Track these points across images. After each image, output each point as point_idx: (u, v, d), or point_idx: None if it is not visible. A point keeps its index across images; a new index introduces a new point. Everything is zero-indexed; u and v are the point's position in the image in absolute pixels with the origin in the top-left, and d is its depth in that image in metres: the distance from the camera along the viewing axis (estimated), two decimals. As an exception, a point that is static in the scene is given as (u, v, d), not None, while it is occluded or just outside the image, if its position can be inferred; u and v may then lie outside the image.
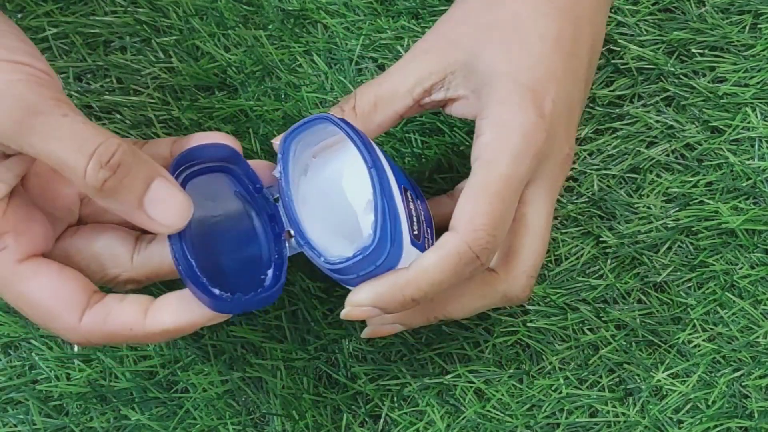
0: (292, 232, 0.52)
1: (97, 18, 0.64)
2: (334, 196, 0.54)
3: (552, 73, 0.54)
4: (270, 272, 0.51)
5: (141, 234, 0.52)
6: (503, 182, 0.51)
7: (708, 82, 0.64)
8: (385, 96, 0.55)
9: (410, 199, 0.52)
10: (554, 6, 0.55)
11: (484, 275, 0.54)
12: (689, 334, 0.60)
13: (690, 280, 0.61)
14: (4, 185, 0.47)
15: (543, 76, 0.53)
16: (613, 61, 0.64)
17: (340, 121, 0.52)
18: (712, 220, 0.61)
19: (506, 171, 0.51)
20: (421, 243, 0.52)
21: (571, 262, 0.61)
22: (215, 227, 0.52)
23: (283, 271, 0.51)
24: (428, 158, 0.62)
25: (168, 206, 0.47)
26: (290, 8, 0.65)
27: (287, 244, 0.52)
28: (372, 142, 0.52)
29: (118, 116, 0.63)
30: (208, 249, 0.50)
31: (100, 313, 0.48)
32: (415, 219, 0.52)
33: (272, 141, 0.53)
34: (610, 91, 0.64)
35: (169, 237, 0.48)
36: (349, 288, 0.52)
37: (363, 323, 0.57)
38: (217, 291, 0.48)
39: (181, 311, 0.49)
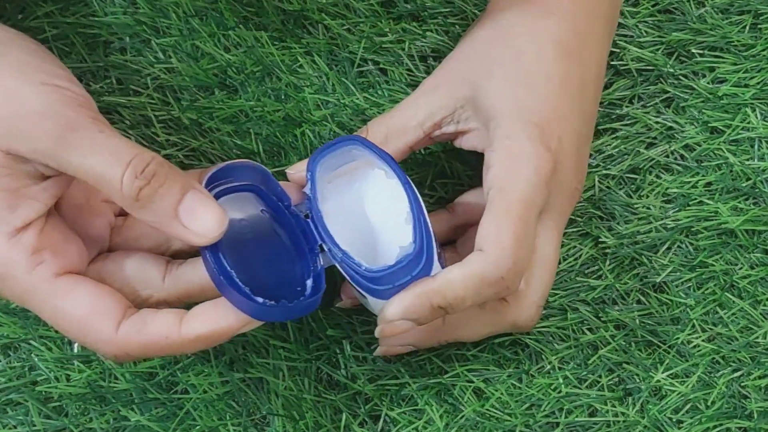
0: (325, 245, 0.53)
1: (97, 19, 0.64)
2: (355, 218, 0.56)
3: (558, 111, 0.55)
4: (309, 282, 0.52)
5: (171, 259, 0.53)
6: (523, 206, 0.52)
7: (708, 82, 0.64)
8: (396, 128, 0.57)
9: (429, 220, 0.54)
10: (561, 48, 0.56)
11: (496, 303, 0.56)
12: (689, 335, 0.60)
13: (689, 280, 0.61)
14: (41, 204, 0.49)
15: (549, 115, 0.55)
16: (612, 63, 0.64)
17: (367, 142, 0.54)
18: (712, 220, 0.61)
19: (522, 196, 0.52)
20: (442, 262, 0.53)
21: (570, 262, 0.61)
22: (247, 244, 0.53)
23: (323, 280, 0.52)
24: (430, 165, 0.63)
25: (203, 216, 0.48)
26: (291, 9, 0.65)
27: (321, 257, 0.53)
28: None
29: (118, 116, 0.63)
30: (243, 263, 0.51)
31: (136, 323, 0.49)
32: (436, 238, 0.53)
33: (287, 170, 0.55)
34: (609, 92, 0.64)
35: (205, 250, 0.49)
36: (372, 306, 0.54)
37: (366, 322, 0.57)
38: (260, 299, 0.49)
39: (217, 317, 0.50)
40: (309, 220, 0.53)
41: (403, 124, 0.57)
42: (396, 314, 0.52)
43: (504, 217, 0.52)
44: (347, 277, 0.53)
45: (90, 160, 0.47)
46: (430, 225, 0.52)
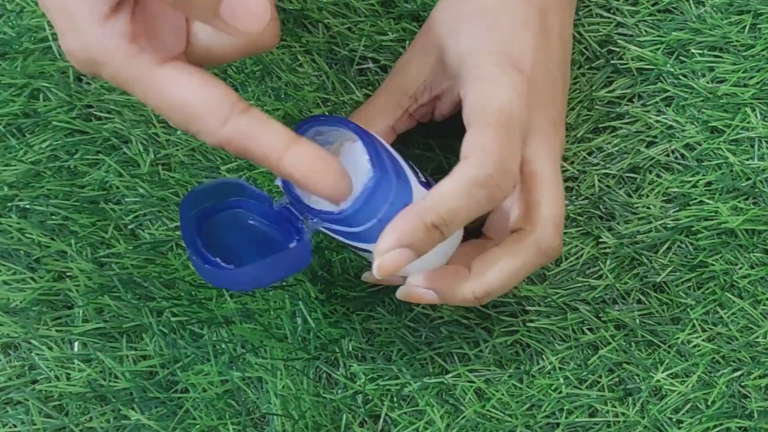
0: (303, 216, 0.52)
1: (97, 18, 0.64)
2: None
3: (524, 43, 0.55)
4: (293, 243, 0.52)
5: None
6: (503, 116, 0.51)
7: (707, 82, 0.64)
8: (375, 113, 0.57)
9: (419, 172, 0.53)
10: (524, 1, 0.57)
11: (513, 236, 0.54)
12: (689, 334, 0.60)
13: (689, 280, 0.61)
14: None
15: (515, 45, 0.55)
16: (612, 62, 0.64)
17: (325, 117, 0.53)
18: (712, 220, 0.61)
19: (501, 108, 0.51)
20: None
21: (571, 262, 0.61)
22: (240, 250, 0.53)
23: (306, 238, 0.52)
24: (429, 159, 0.63)
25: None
26: (291, 8, 0.65)
27: (305, 229, 0.52)
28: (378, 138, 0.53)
29: (118, 116, 0.63)
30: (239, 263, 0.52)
31: (243, 127, 0.46)
32: (422, 173, 0.52)
33: (276, 183, 0.54)
34: (609, 91, 0.64)
35: (197, 252, 0.51)
36: (370, 259, 0.52)
37: (366, 320, 0.57)
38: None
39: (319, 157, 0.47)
40: (289, 205, 0.53)
41: (381, 105, 0.57)
42: (389, 242, 0.50)
43: (485, 127, 0.51)
44: (338, 238, 0.52)
45: None
46: (396, 154, 0.52)
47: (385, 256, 0.50)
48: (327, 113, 0.57)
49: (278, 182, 0.53)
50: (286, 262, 0.52)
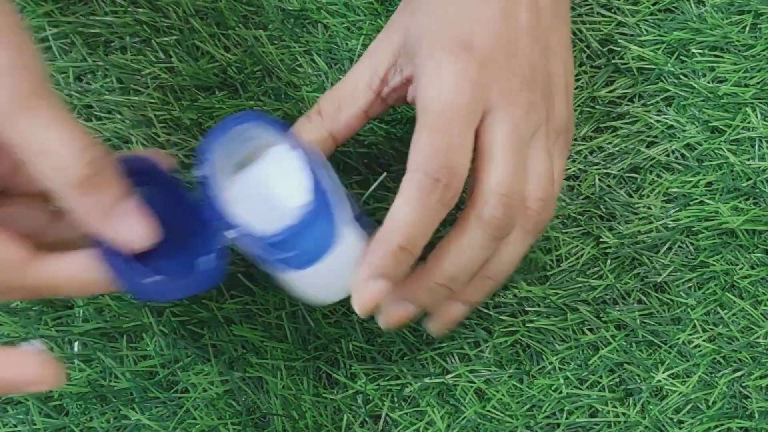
0: (222, 226, 0.50)
1: (97, 18, 0.64)
2: (263, 200, 0.53)
3: (477, 18, 0.54)
4: (204, 259, 0.50)
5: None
6: (444, 112, 0.51)
7: (708, 82, 0.64)
8: (346, 96, 0.56)
9: (352, 202, 0.52)
10: None
11: (459, 214, 0.54)
12: (689, 335, 0.60)
13: (690, 280, 0.61)
14: None
15: (467, 23, 0.54)
16: (613, 61, 0.64)
17: (262, 117, 0.51)
18: (713, 220, 0.61)
19: (442, 103, 0.51)
20: (363, 223, 0.51)
21: (571, 262, 0.61)
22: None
23: (218, 257, 0.50)
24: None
25: (137, 222, 0.47)
26: (290, 8, 0.65)
27: (220, 239, 0.50)
28: (317, 153, 0.52)
29: (118, 116, 0.63)
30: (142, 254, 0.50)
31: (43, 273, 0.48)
32: (354, 201, 0.52)
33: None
34: (610, 90, 0.64)
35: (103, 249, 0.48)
36: (284, 277, 0.51)
37: (366, 320, 0.57)
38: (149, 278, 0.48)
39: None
40: (207, 203, 0.50)
41: (352, 89, 0.56)
42: (363, 275, 0.50)
43: (423, 132, 0.51)
44: (254, 256, 0.50)
45: (47, 132, 0.45)
46: (331, 189, 0.50)
47: (363, 292, 0.50)
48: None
49: (199, 174, 0.51)
50: (194, 283, 0.50)
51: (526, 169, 0.54)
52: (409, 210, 0.50)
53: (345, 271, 0.52)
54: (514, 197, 0.53)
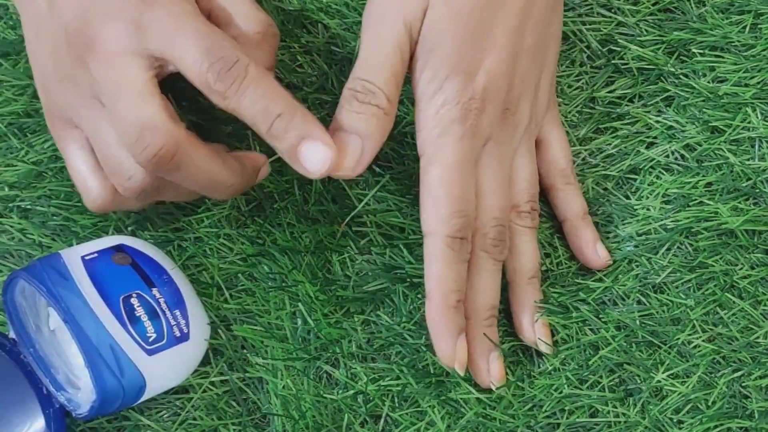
0: (45, 389, 0.54)
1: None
2: (64, 347, 0.56)
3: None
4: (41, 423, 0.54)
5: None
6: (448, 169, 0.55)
7: (708, 82, 0.64)
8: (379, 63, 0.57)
9: (136, 306, 0.54)
10: None
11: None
12: (689, 335, 0.60)
13: (689, 281, 0.61)
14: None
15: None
16: (613, 61, 0.64)
17: (29, 274, 0.53)
18: (712, 220, 0.61)
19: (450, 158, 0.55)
20: (167, 340, 0.54)
21: (571, 263, 0.61)
22: None
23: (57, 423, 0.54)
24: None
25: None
26: (290, 8, 0.65)
27: (51, 399, 0.54)
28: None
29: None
30: None
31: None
32: (147, 323, 0.54)
33: None
34: (610, 91, 0.64)
35: None
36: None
37: (366, 321, 0.57)
38: None
39: None
40: (27, 363, 0.54)
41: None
42: (447, 348, 0.56)
43: (434, 187, 0.55)
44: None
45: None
46: (112, 335, 0.53)
47: (455, 362, 0.56)
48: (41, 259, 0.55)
49: (11, 335, 0.54)
50: None
51: (513, 178, 0.59)
52: (445, 270, 0.55)
53: (178, 366, 0.56)
54: (503, 218, 0.57)
